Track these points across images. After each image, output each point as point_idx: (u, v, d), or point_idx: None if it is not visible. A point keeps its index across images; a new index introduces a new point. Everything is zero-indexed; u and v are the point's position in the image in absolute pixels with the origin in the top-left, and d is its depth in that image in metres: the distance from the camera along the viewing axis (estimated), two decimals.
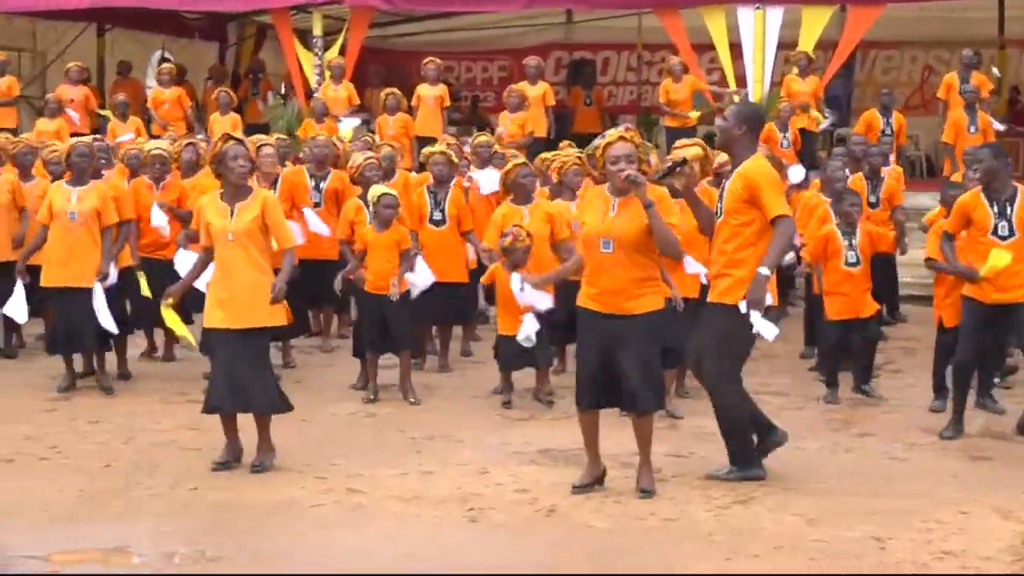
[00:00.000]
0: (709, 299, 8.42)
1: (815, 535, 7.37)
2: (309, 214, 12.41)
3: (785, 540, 7.28)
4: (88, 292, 10.84)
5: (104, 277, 10.84)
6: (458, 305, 12.15)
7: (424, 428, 9.77)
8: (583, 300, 8.07)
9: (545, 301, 9.79)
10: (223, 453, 8.75)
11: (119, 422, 10.03)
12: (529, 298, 9.69)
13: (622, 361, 7.90)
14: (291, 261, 8.72)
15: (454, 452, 9.02)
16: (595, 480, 8.23)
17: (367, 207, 11.04)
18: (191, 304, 10.18)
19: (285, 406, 8.80)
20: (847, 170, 13.02)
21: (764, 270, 8.01)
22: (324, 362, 12.65)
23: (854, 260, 10.84)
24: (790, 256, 11.88)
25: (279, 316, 8.67)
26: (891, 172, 14.26)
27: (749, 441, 8.50)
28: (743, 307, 8.01)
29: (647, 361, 7.99)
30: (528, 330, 10.16)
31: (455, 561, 7.00)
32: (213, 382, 8.68)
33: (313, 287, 12.44)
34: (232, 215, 8.52)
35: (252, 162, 8.72)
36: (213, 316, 8.59)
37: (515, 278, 9.57)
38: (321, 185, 12.97)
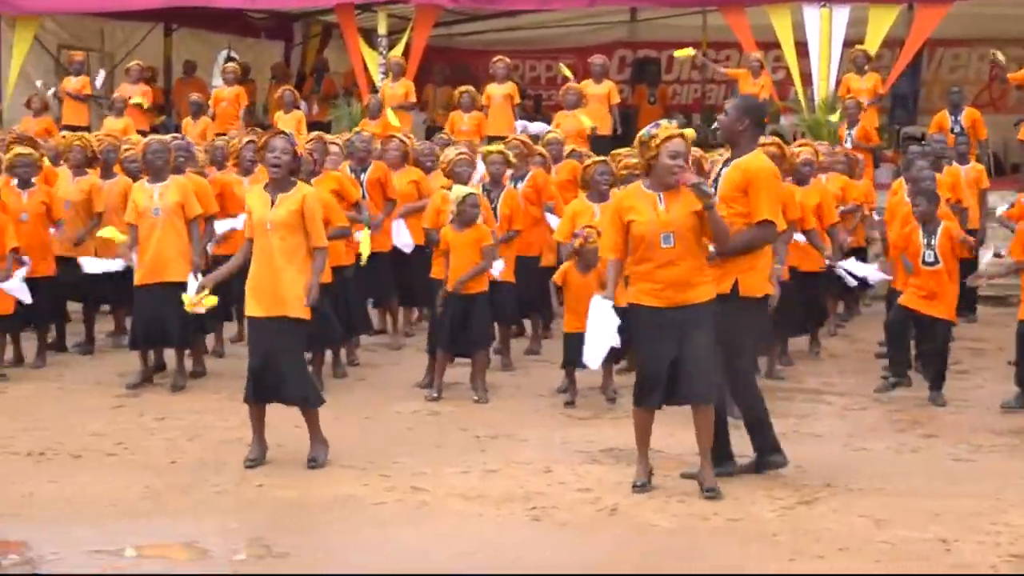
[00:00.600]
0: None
1: (881, 536, 7.32)
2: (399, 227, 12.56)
3: (850, 541, 7.23)
4: (171, 287, 10.90)
5: (197, 268, 10.94)
6: (521, 305, 12.16)
7: (487, 427, 9.79)
8: (641, 297, 7.99)
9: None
10: (252, 450, 8.79)
11: (186, 419, 10.11)
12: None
13: (686, 352, 7.89)
14: (322, 260, 8.76)
15: (517, 451, 9.03)
16: (650, 478, 8.21)
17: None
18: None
19: (317, 400, 8.82)
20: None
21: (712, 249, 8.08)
22: (390, 360, 12.68)
23: (932, 259, 10.71)
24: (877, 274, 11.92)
25: (307, 309, 8.69)
26: (969, 171, 14.27)
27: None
28: None
29: (709, 351, 8.00)
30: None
31: (517, 560, 7.01)
32: (251, 372, 8.72)
33: (377, 283, 12.49)
34: (273, 205, 8.59)
35: (298, 158, 8.77)
36: (249, 304, 8.67)
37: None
38: (362, 178, 12.99)
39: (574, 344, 10.46)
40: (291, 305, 8.55)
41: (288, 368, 8.61)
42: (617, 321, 8.24)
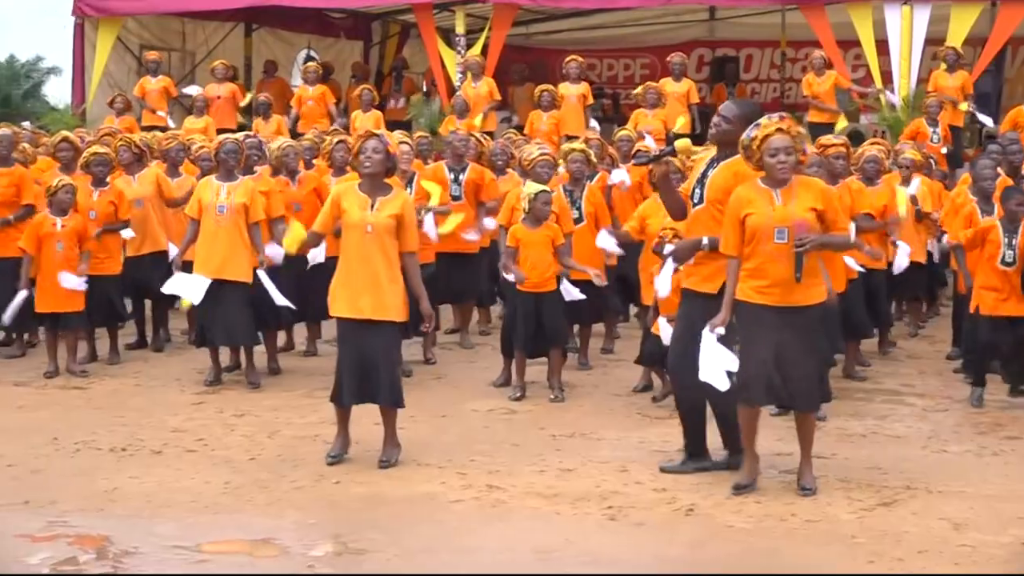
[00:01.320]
0: (685, 286, 8.39)
1: (960, 540, 7.25)
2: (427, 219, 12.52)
3: (930, 544, 7.17)
4: (236, 286, 11.03)
5: (263, 263, 11.04)
6: (597, 304, 12.14)
7: (564, 426, 9.78)
8: (749, 295, 7.92)
9: None
10: (335, 446, 8.85)
11: (264, 416, 10.19)
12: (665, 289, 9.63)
13: (791, 355, 7.87)
14: (416, 266, 8.76)
15: (593, 450, 9.02)
16: (755, 480, 8.19)
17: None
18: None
19: (403, 401, 8.85)
20: (999, 168, 12.74)
21: (705, 240, 8.13)
22: (464, 358, 12.72)
23: (1011, 260, 10.54)
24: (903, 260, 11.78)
25: (404, 312, 8.72)
26: None
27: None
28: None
29: (815, 355, 8.07)
30: (667, 335, 10.16)
31: (594, 560, 7.01)
32: (340, 373, 8.75)
33: (453, 282, 12.53)
34: (372, 208, 8.60)
35: (391, 157, 8.78)
36: (341, 305, 8.66)
37: (666, 271, 9.46)
38: (460, 178, 13.01)
39: (651, 344, 10.43)
40: (391, 308, 8.58)
41: (385, 370, 8.64)
42: (731, 355, 8.04)
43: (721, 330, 7.93)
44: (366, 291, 8.55)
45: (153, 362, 12.45)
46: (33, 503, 7.91)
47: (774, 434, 9.47)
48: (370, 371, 8.62)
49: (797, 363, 7.88)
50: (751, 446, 8.19)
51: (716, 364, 7.94)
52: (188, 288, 11.16)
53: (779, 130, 7.81)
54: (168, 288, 11.38)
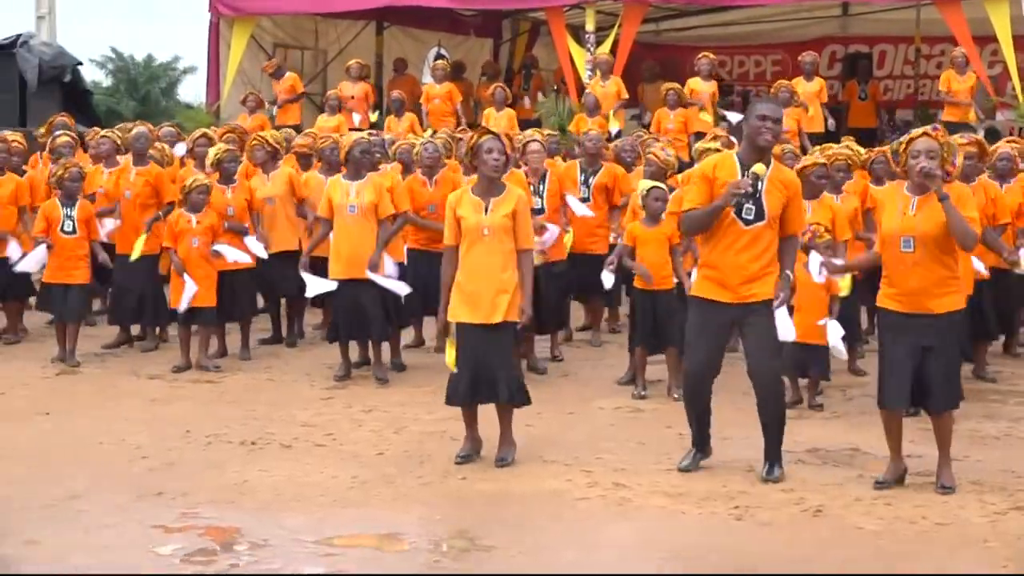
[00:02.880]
0: (755, 299, 8.18)
1: None
2: (571, 200, 12.43)
3: None
4: (368, 283, 11.13)
5: (374, 267, 11.11)
6: None
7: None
8: (884, 301, 8.04)
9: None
10: (464, 446, 8.86)
11: (392, 412, 10.26)
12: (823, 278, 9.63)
13: (928, 361, 7.90)
14: (530, 264, 8.74)
15: (720, 449, 8.94)
16: (897, 479, 8.17)
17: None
18: None
19: (526, 399, 8.82)
20: None
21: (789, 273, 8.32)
22: (593, 356, 12.71)
23: None
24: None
25: (521, 311, 8.69)
26: None
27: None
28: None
29: (951, 360, 8.07)
30: (834, 338, 10.08)
31: (721, 560, 6.97)
32: (457, 375, 8.74)
33: (581, 280, 12.52)
34: (487, 210, 8.60)
35: (507, 156, 8.77)
36: (461, 311, 8.65)
37: (814, 259, 9.43)
38: (590, 180, 12.98)
39: (794, 353, 10.31)
40: (508, 309, 8.57)
41: (503, 370, 8.64)
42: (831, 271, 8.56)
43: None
44: (485, 295, 8.56)
45: (284, 357, 12.61)
46: (166, 494, 8.05)
47: (905, 435, 9.33)
48: (488, 371, 8.62)
49: (935, 369, 7.90)
50: (897, 448, 8.20)
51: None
52: (322, 288, 11.39)
53: (925, 134, 7.89)
54: (310, 292, 11.58)
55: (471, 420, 8.87)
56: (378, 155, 12.24)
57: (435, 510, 7.85)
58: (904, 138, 8.00)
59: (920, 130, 7.98)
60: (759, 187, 8.05)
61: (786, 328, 8.74)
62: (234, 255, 12.11)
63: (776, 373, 8.42)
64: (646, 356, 10.89)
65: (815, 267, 9.38)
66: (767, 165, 8.11)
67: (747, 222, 8.07)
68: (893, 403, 8.06)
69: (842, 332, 10.14)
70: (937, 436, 8.14)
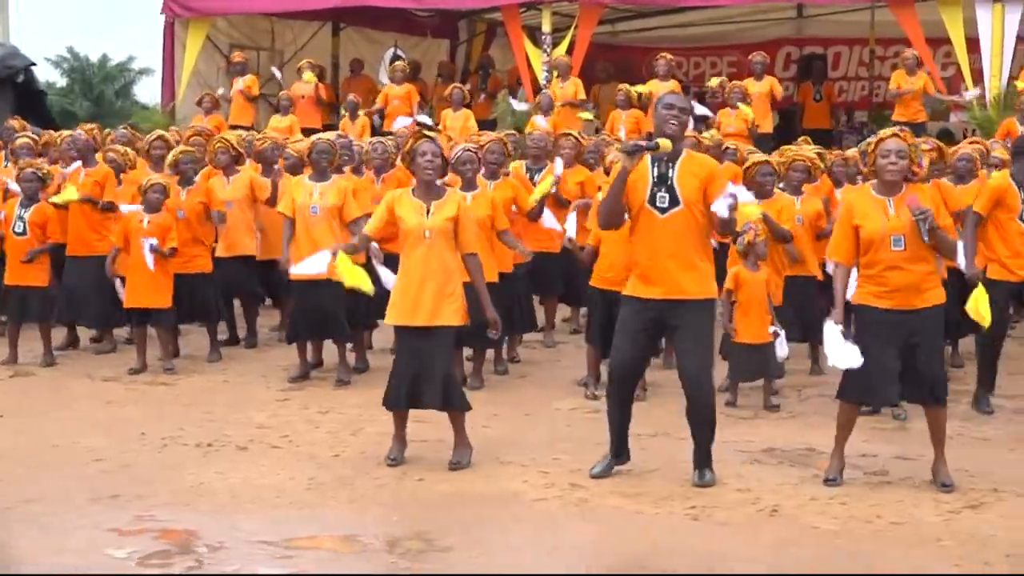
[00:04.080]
0: (684, 297, 8.10)
1: None
2: (546, 214, 12.44)
3: (1018, 548, 7.07)
4: (328, 282, 11.08)
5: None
6: None
7: (647, 425, 9.72)
8: (868, 299, 8.09)
9: None
10: (393, 448, 8.84)
11: (349, 413, 10.25)
12: None
13: (917, 356, 7.99)
14: (479, 267, 8.70)
15: (677, 449, 8.97)
16: (840, 474, 8.29)
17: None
18: None
19: (462, 405, 8.79)
20: None
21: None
22: (551, 357, 12.73)
23: None
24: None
25: (462, 316, 8.67)
26: None
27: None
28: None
29: (939, 353, 8.21)
30: (781, 351, 10.18)
31: (677, 560, 6.99)
32: (395, 379, 8.73)
33: (542, 280, 12.53)
34: (429, 213, 8.59)
35: (444, 159, 8.75)
36: (400, 313, 8.63)
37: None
38: (535, 178, 12.98)
39: (742, 357, 10.43)
40: (448, 314, 8.56)
41: (436, 374, 8.60)
42: (853, 347, 8.02)
43: (839, 322, 8.03)
44: (424, 298, 8.54)
45: (240, 359, 12.57)
46: (121, 497, 8.01)
47: (860, 436, 9.40)
48: (423, 377, 8.60)
49: (924, 363, 8.01)
50: (842, 444, 8.31)
51: (842, 353, 8.00)
52: (314, 266, 11.38)
53: (894, 135, 8.00)
54: (297, 271, 11.39)
55: (401, 423, 8.86)
56: (345, 157, 12.17)
57: (392, 511, 7.84)
58: (873, 139, 8.08)
59: (890, 130, 8.06)
60: (670, 173, 8.03)
61: (845, 353, 8.07)
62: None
63: (707, 375, 8.24)
64: (599, 356, 10.90)
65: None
66: (678, 155, 8.10)
67: (662, 210, 8.01)
68: (867, 396, 8.17)
69: (786, 352, 10.26)
70: (933, 432, 8.24)
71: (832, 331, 8.00)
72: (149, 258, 11.63)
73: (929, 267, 8.02)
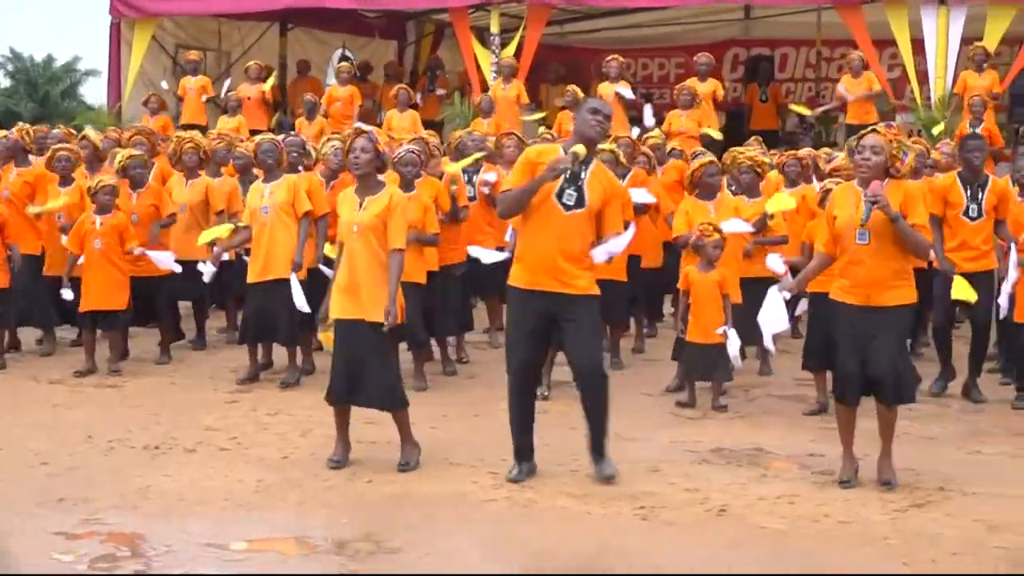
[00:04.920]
0: (575, 292, 8.17)
1: (996, 542, 7.22)
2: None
3: (964, 546, 7.14)
4: (281, 284, 11.06)
5: (297, 267, 11.06)
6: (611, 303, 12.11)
7: None
8: (837, 293, 8.17)
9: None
10: (336, 450, 8.82)
11: (298, 415, 10.22)
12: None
13: (876, 352, 7.99)
14: (398, 263, 8.60)
15: (625, 450, 9.00)
16: (855, 475, 8.28)
17: None
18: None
19: (403, 403, 8.77)
20: None
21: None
22: (497, 357, 12.69)
23: None
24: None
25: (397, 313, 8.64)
26: None
27: None
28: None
29: (901, 352, 8.18)
30: (732, 348, 10.20)
31: (625, 560, 7.00)
32: (333, 372, 8.73)
33: (482, 280, 12.53)
34: (361, 208, 8.60)
35: (380, 156, 8.74)
36: (335, 306, 8.66)
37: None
38: (474, 179, 13.00)
39: (693, 356, 10.46)
40: (374, 310, 8.54)
41: (371, 372, 8.59)
42: (783, 318, 8.32)
43: (787, 294, 8.27)
44: (354, 291, 8.55)
45: (188, 361, 12.51)
46: (67, 500, 7.95)
47: (807, 435, 9.48)
48: (356, 372, 8.60)
49: (880, 360, 8.00)
50: (846, 444, 8.34)
51: (773, 319, 8.23)
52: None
53: (874, 131, 8.10)
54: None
55: (342, 424, 8.84)
56: (295, 154, 12.10)
57: (341, 513, 7.82)
58: (858, 135, 8.13)
59: (875, 127, 8.15)
60: (582, 174, 8.08)
61: (773, 319, 8.43)
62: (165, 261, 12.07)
63: (595, 365, 8.28)
64: (553, 356, 10.90)
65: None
66: (590, 161, 8.16)
67: (567, 207, 8.06)
68: (843, 398, 8.22)
69: (739, 343, 10.29)
70: (882, 428, 8.27)
71: (775, 296, 8.24)
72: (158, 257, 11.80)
73: (896, 265, 8.02)
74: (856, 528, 7.47)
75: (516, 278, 8.23)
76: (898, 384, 8.11)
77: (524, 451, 8.47)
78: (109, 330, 11.94)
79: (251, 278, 11.26)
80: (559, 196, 8.06)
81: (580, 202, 8.08)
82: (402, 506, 7.91)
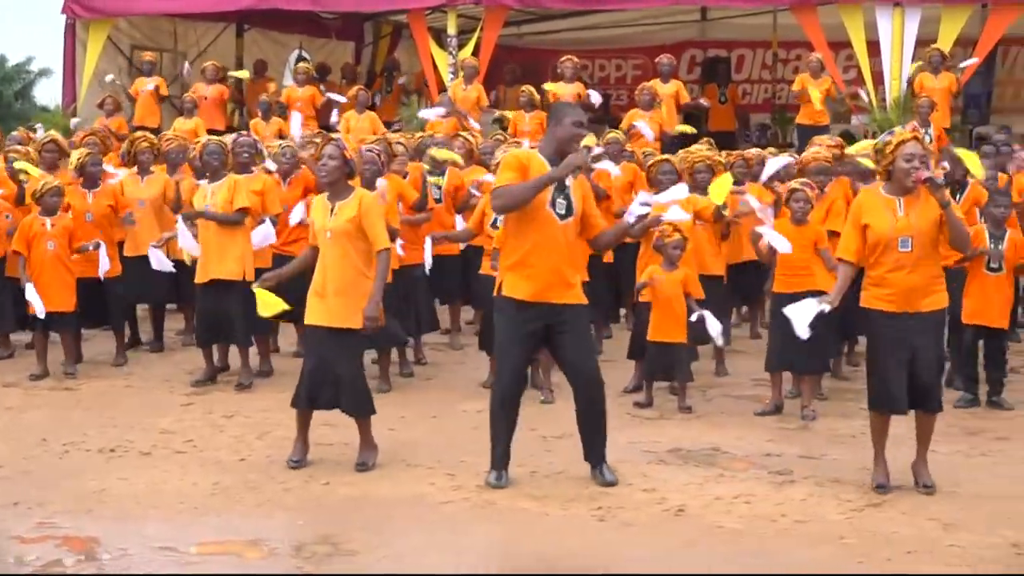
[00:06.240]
0: (572, 301, 8.19)
1: (950, 540, 7.26)
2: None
3: (919, 545, 7.17)
4: (230, 285, 11.02)
5: (188, 219, 11.24)
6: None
7: (554, 427, 9.76)
8: (873, 302, 8.08)
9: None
10: (296, 450, 8.82)
11: (254, 417, 10.18)
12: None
13: (923, 361, 7.99)
14: (384, 264, 8.65)
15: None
16: (888, 479, 8.25)
17: None
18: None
19: (373, 410, 8.81)
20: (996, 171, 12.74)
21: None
22: (455, 359, 12.72)
23: (996, 266, 10.57)
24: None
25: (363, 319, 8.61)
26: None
27: None
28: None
29: (940, 358, 8.23)
30: (713, 329, 10.21)
31: (583, 561, 7.01)
32: (303, 376, 8.72)
33: (442, 282, 12.52)
34: (332, 213, 8.59)
35: (348, 163, 8.72)
36: (309, 312, 8.66)
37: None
38: (441, 182, 13.01)
39: (652, 355, 10.48)
40: (352, 315, 8.52)
41: (343, 376, 8.60)
42: (807, 323, 8.16)
43: (827, 307, 8.12)
44: (326, 297, 8.56)
45: (143, 363, 12.44)
46: (22, 504, 7.90)
47: (764, 435, 9.51)
48: (327, 376, 8.60)
49: (925, 367, 8.00)
50: (878, 449, 8.30)
51: (799, 319, 8.12)
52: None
53: (915, 139, 7.99)
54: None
55: (304, 424, 8.83)
56: (246, 155, 12.03)
57: (298, 515, 7.80)
58: (892, 139, 7.97)
59: (909, 134, 7.99)
60: (567, 181, 8.08)
61: (802, 319, 8.22)
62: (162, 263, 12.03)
63: (596, 373, 8.30)
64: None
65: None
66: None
67: (561, 216, 8.07)
68: (894, 407, 8.12)
69: (720, 325, 10.28)
70: (920, 434, 8.26)
71: (810, 304, 8.13)
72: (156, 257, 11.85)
73: (936, 270, 8.01)
74: (813, 527, 7.50)
75: (515, 289, 8.12)
76: (938, 391, 8.17)
77: (506, 458, 8.42)
78: (61, 331, 11.85)
79: (199, 279, 11.24)
80: (552, 205, 8.04)
81: (570, 210, 8.08)
82: (360, 508, 7.89)
